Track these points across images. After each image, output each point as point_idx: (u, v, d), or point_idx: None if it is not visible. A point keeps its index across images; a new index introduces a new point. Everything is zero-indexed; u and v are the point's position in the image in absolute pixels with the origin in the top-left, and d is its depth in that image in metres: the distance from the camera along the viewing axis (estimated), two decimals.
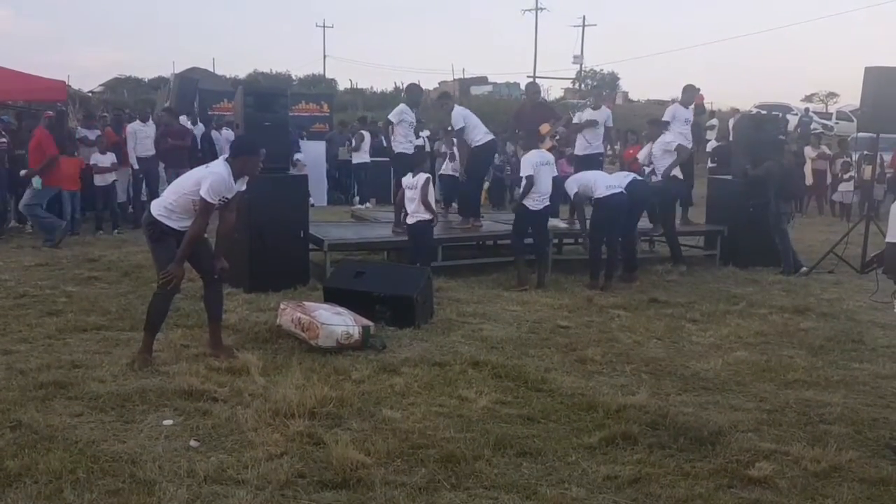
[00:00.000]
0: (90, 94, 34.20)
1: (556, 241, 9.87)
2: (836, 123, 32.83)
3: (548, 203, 8.68)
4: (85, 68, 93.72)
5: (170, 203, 5.65)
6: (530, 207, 8.58)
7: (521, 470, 4.16)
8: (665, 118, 10.43)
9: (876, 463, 4.35)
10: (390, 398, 5.12)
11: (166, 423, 4.61)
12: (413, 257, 8.26)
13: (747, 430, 4.77)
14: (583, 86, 50.66)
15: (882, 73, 10.06)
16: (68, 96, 18.84)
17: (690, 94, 10.72)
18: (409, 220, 8.26)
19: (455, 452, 4.25)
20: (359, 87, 45.11)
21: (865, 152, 16.33)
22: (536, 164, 8.53)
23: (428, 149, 14.78)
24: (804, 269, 9.76)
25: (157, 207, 5.70)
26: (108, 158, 12.02)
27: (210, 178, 5.48)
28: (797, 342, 6.81)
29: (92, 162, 11.96)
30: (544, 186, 8.59)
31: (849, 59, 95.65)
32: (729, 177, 11.04)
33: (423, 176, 8.29)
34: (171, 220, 5.63)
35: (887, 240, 4.55)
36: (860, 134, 15.07)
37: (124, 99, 30.75)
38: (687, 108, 10.53)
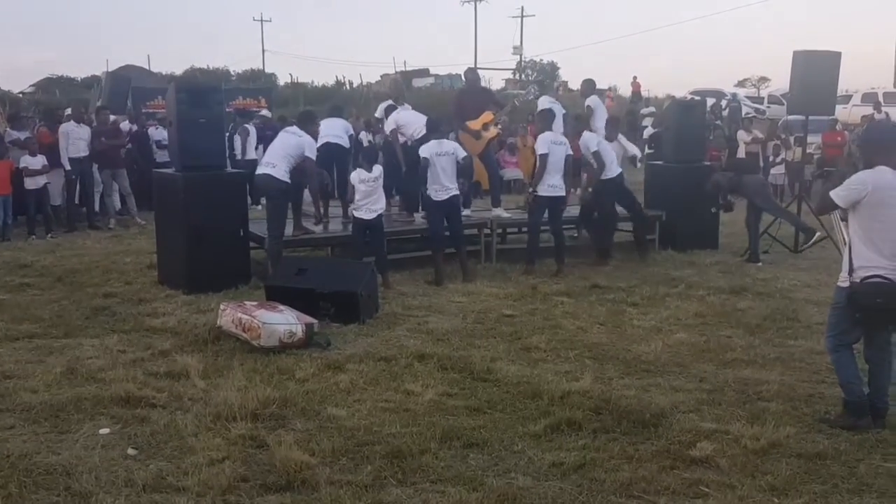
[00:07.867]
0: (20, 95, 33.00)
1: (500, 230, 9.90)
2: (768, 107, 33.59)
3: (454, 192, 8.42)
4: (15, 69, 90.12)
5: None
6: (433, 198, 8.40)
7: (467, 462, 4.16)
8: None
9: (812, 438, 4.48)
10: (335, 396, 5.07)
11: (103, 431, 4.48)
12: (377, 251, 8.18)
13: (688, 410, 4.87)
14: (523, 76, 50.76)
15: (809, 56, 10.32)
16: None
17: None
18: (369, 216, 8.07)
19: (401, 447, 4.23)
20: (300, 81, 44.41)
21: (796, 135, 16.74)
22: (433, 154, 8.31)
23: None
24: (738, 259, 9.94)
25: None
26: (39, 161, 11.59)
27: None
28: (735, 322, 6.96)
29: (21, 165, 11.53)
30: (443, 177, 8.29)
31: (780, 44, 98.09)
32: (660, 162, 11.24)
33: (379, 168, 8.31)
34: None
35: (830, 193, 4.65)
36: (790, 117, 15.45)
37: (56, 99, 29.69)
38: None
